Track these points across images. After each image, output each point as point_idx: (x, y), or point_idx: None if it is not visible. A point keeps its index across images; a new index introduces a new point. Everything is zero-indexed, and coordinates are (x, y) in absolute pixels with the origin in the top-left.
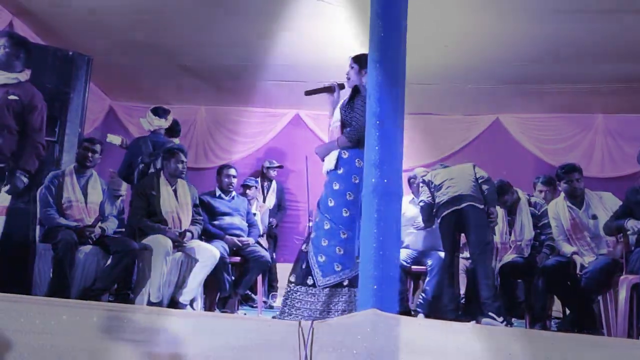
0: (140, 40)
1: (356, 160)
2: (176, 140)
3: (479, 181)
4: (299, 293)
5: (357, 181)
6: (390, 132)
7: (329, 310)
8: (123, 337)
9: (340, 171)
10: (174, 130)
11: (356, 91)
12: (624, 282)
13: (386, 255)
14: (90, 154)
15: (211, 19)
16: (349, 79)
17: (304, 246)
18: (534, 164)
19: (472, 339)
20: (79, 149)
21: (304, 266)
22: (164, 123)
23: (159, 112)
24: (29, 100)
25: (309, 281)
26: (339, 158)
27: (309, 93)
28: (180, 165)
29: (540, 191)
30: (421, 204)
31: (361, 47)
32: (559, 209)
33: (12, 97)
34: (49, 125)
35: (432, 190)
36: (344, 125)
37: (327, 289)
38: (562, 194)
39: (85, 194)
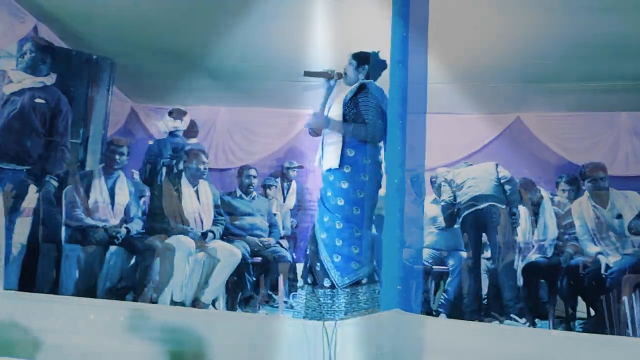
0: (162, 44)
1: (364, 158)
2: (193, 141)
3: (501, 181)
4: (317, 295)
5: (366, 179)
6: (413, 132)
7: (352, 310)
8: (148, 335)
9: (347, 170)
10: (191, 131)
11: (362, 88)
12: None
13: (410, 255)
14: (117, 156)
15: (231, 21)
16: (346, 74)
17: (309, 248)
18: (557, 162)
19: (495, 339)
20: (105, 151)
21: (317, 268)
22: (180, 124)
23: (175, 114)
24: (55, 104)
25: (326, 283)
26: (343, 156)
27: (307, 74)
28: (201, 166)
29: (564, 190)
30: (442, 203)
31: (383, 47)
32: (583, 208)
33: (38, 100)
34: (74, 128)
35: (453, 189)
36: (345, 120)
37: (348, 288)
38: (586, 193)
39: (112, 195)
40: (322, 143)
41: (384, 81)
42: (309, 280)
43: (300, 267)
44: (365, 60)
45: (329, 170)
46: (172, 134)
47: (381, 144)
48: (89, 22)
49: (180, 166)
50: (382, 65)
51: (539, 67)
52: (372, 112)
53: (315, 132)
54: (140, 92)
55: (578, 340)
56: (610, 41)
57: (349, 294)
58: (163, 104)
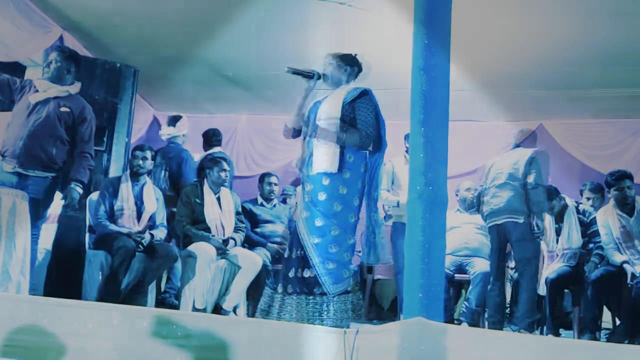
0: (184, 52)
1: (362, 165)
2: (217, 149)
3: (527, 187)
4: (305, 303)
5: (361, 186)
6: (435, 139)
7: (341, 318)
8: (173, 342)
9: (346, 175)
10: (211, 139)
11: (365, 94)
12: None
13: (432, 263)
14: (141, 162)
15: (252, 29)
16: (326, 75)
17: (295, 252)
18: (580, 170)
19: (519, 349)
20: (129, 154)
21: (305, 274)
22: (174, 131)
23: (170, 121)
24: (80, 112)
25: (316, 290)
26: (344, 161)
27: (291, 71)
28: (223, 174)
29: (588, 198)
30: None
31: (405, 54)
32: (608, 216)
33: (63, 109)
34: (98, 135)
35: (482, 188)
36: (343, 122)
37: (337, 296)
38: (612, 201)
39: (139, 202)
40: (308, 145)
41: (405, 88)
42: (279, 289)
43: None
44: (351, 62)
45: (324, 173)
46: (170, 142)
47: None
48: (113, 31)
49: (162, 175)
50: (361, 68)
51: (562, 74)
52: (371, 120)
53: (289, 133)
54: (163, 100)
55: (604, 350)
56: (634, 46)
57: (338, 302)
58: (184, 112)
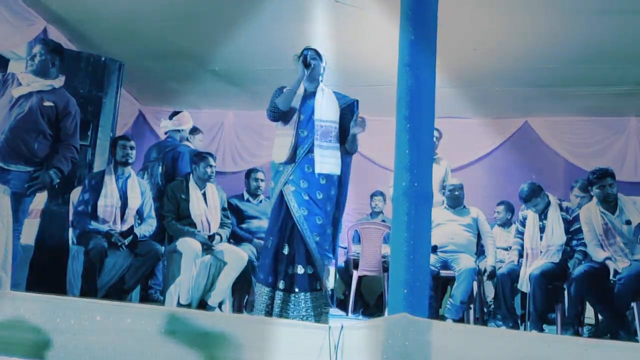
0: (170, 46)
1: (344, 168)
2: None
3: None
4: (310, 299)
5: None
6: (420, 136)
7: (316, 315)
8: (156, 337)
9: (335, 177)
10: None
11: (353, 104)
12: None
13: (417, 259)
14: (128, 151)
15: (239, 24)
16: (314, 68)
17: (289, 248)
18: (565, 167)
19: (504, 344)
20: (114, 147)
21: (309, 271)
22: (170, 124)
23: (171, 115)
24: (64, 107)
25: (317, 285)
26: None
27: (296, 57)
28: (209, 169)
29: (577, 196)
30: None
31: (390, 50)
32: (591, 214)
33: (47, 103)
34: (82, 130)
35: None
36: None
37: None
38: (594, 199)
39: (124, 197)
40: (304, 140)
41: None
42: (281, 286)
43: None
44: (322, 58)
45: (323, 174)
46: (167, 136)
47: None
48: (98, 24)
49: (159, 170)
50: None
51: (547, 71)
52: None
53: (277, 115)
54: (149, 95)
55: (586, 345)
56: (618, 45)
57: (311, 299)
58: (171, 106)
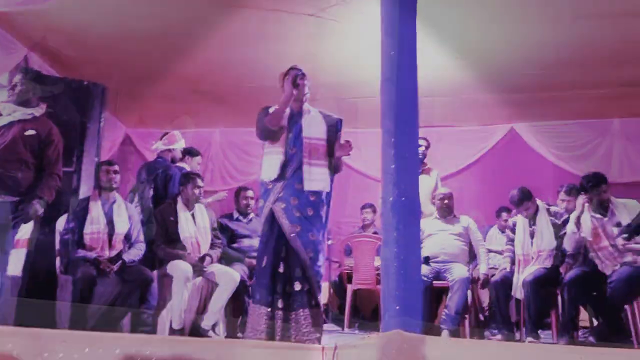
0: (154, 68)
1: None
2: (187, 165)
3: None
4: (307, 316)
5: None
6: (405, 150)
7: (317, 331)
8: None
9: (324, 195)
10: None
11: (339, 122)
12: None
13: (408, 274)
14: (112, 175)
15: (222, 43)
16: (299, 86)
17: (284, 266)
18: (552, 171)
19: (497, 356)
20: (98, 173)
21: (305, 288)
22: (160, 145)
23: (162, 135)
24: (46, 135)
25: (313, 302)
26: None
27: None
28: (197, 191)
29: (563, 200)
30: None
31: (373, 62)
32: (581, 218)
33: (29, 132)
34: (66, 156)
35: None
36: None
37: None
38: (585, 204)
39: (111, 223)
40: (292, 158)
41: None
42: (280, 305)
43: None
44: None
45: (312, 191)
46: (157, 156)
47: None
48: (80, 49)
49: (149, 193)
50: None
51: (530, 77)
52: None
53: (267, 133)
54: (135, 117)
55: (582, 353)
56: (599, 49)
57: (315, 314)
58: (157, 128)
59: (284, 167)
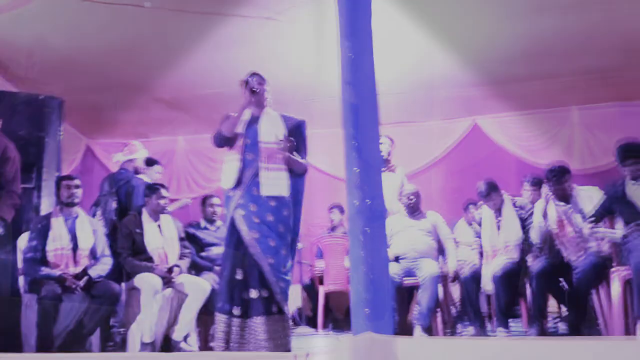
0: (112, 77)
1: (294, 188)
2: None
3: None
4: (266, 324)
5: (292, 208)
6: (367, 153)
7: (274, 339)
8: None
9: (287, 198)
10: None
11: (301, 124)
12: (616, 276)
13: (376, 277)
14: (74, 190)
15: (181, 51)
16: (258, 92)
17: (240, 273)
18: (516, 163)
19: (470, 354)
20: (59, 188)
21: (264, 294)
22: (121, 156)
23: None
24: (2, 152)
25: (274, 309)
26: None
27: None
28: (162, 201)
29: (527, 191)
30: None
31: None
32: (546, 208)
33: None
34: (25, 172)
35: None
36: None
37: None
38: (548, 194)
39: (74, 239)
40: (249, 164)
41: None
42: (235, 312)
43: None
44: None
45: (272, 196)
46: (120, 167)
47: None
48: (35, 62)
49: (112, 206)
50: None
51: (489, 70)
52: (305, 150)
53: (222, 141)
54: (95, 128)
55: (552, 347)
56: (557, 39)
57: (274, 321)
58: (119, 138)
59: (241, 173)
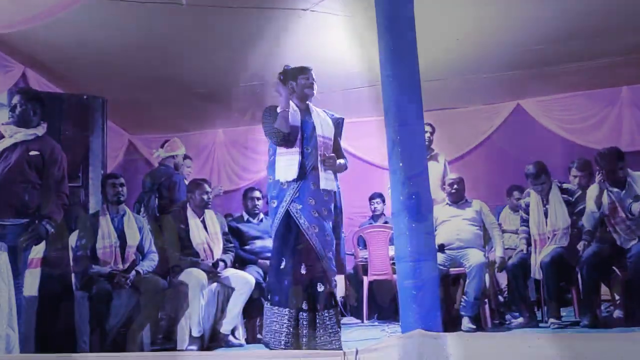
0: (152, 74)
1: None
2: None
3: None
4: (330, 317)
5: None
6: (412, 147)
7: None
8: None
9: (335, 194)
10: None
11: (342, 122)
12: None
13: (424, 273)
14: (119, 188)
15: (216, 45)
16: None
17: (304, 267)
18: (562, 145)
19: (520, 347)
20: (104, 187)
21: (327, 289)
22: (162, 152)
23: (163, 143)
24: (49, 154)
25: (333, 302)
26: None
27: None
28: (205, 196)
29: (575, 176)
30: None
31: (372, 55)
32: (598, 193)
33: (32, 153)
34: (72, 171)
35: None
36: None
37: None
38: (600, 178)
39: (122, 236)
40: (308, 158)
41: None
42: (304, 306)
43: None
44: (290, 76)
45: (327, 189)
46: (161, 164)
47: None
48: (76, 62)
49: (154, 202)
50: None
51: (532, 52)
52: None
53: (282, 138)
54: (136, 124)
55: (606, 340)
56: (600, 18)
57: (336, 313)
58: (160, 132)
59: (301, 167)
